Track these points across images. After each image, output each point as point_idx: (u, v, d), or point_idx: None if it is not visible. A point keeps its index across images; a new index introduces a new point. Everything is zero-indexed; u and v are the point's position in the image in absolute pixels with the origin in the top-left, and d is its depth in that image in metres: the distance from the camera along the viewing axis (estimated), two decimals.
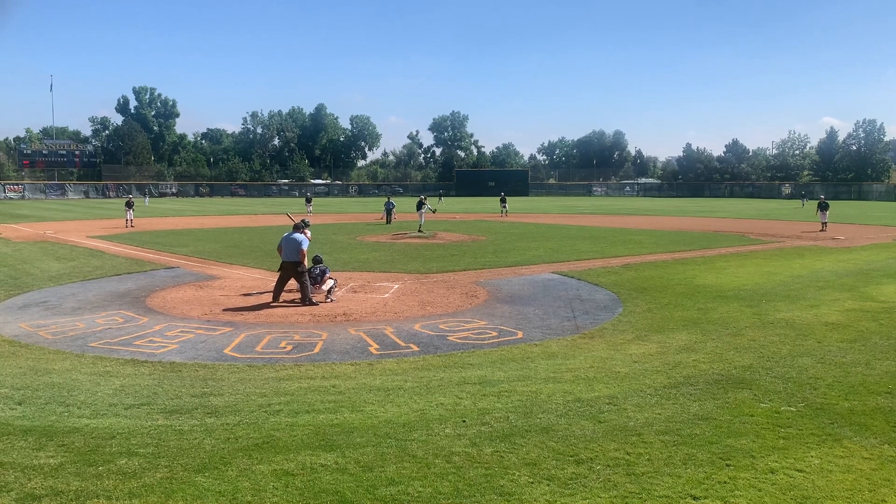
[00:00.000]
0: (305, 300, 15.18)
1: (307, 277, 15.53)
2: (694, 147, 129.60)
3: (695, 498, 5.70)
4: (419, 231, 35.10)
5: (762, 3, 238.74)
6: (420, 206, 38.76)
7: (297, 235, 15.46)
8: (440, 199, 69.60)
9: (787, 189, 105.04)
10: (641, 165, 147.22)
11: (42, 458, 6.45)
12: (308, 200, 60.60)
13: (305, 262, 15.53)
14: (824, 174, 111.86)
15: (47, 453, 6.60)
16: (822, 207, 38.16)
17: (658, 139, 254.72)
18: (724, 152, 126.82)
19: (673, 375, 9.58)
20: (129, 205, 42.81)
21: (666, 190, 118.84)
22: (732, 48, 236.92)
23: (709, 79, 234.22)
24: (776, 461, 6.47)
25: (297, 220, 17.38)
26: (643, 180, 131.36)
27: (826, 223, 37.46)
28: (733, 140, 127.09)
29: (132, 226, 40.39)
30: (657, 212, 59.97)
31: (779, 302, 15.26)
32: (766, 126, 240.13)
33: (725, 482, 6.01)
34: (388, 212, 44.80)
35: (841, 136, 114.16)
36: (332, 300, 16.08)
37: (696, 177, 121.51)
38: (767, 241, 31.29)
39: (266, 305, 15.28)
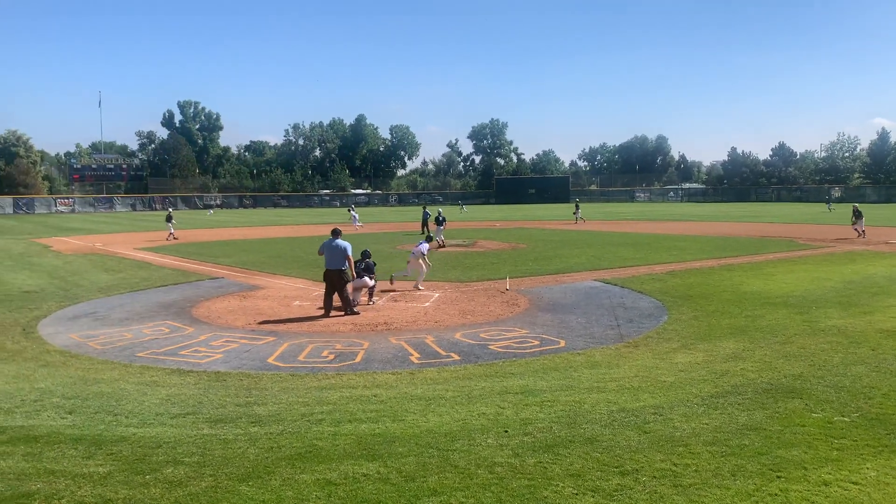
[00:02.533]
0: (347, 310, 15.22)
1: (349, 289, 15.62)
2: (739, 151, 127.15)
3: None
4: (440, 245, 32.86)
5: (808, 2, 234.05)
6: (440, 221, 36.40)
7: (341, 241, 15.44)
8: (462, 208, 68.63)
9: (836, 192, 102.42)
10: (685, 170, 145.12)
11: (91, 467, 6.57)
12: (351, 210, 61.03)
13: (353, 268, 15.62)
14: (875, 177, 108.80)
15: (96, 462, 6.72)
16: (857, 215, 35.43)
17: (702, 143, 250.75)
18: (770, 156, 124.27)
19: (720, 384, 9.36)
20: (168, 218, 42.99)
21: (711, 195, 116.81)
22: (778, 49, 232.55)
23: (754, 81, 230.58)
24: (830, 473, 6.26)
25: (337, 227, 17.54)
26: (687, 185, 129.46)
27: (863, 231, 34.81)
28: (780, 143, 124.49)
29: (175, 238, 40.60)
30: (702, 217, 58.98)
31: (830, 308, 14.84)
32: (814, 128, 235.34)
33: (776, 494, 5.82)
34: (425, 221, 44.00)
35: (893, 138, 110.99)
36: (372, 303, 16.25)
37: (741, 181, 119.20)
38: (817, 245, 30.53)
39: (309, 315, 15.41)
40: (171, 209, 57.85)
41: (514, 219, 53.48)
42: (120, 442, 7.34)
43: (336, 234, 15.62)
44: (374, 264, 17.25)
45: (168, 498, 5.81)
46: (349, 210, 59.62)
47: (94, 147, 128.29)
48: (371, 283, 16.52)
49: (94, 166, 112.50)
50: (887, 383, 9.21)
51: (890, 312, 14.32)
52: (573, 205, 56.71)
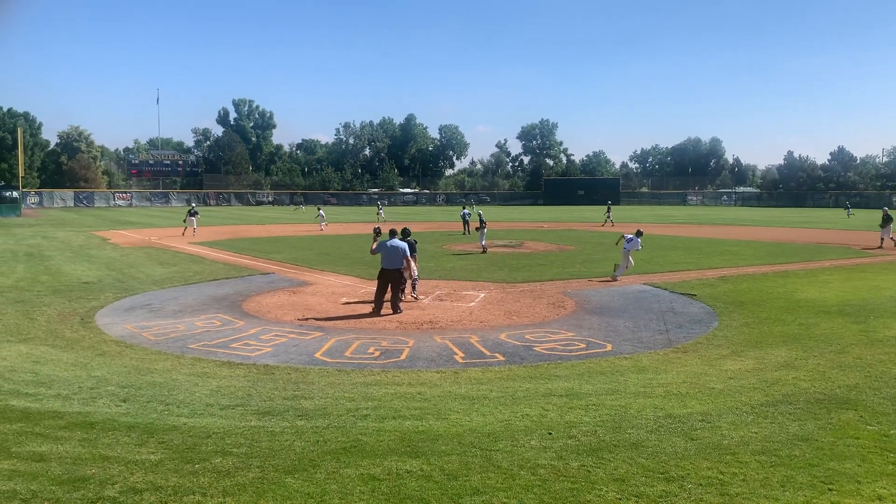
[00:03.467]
0: (396, 308, 15.30)
1: (402, 288, 15.75)
2: (796, 155, 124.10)
3: None
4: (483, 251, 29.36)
5: (868, 3, 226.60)
6: (482, 223, 30.72)
7: (399, 242, 15.53)
8: (472, 207, 66.64)
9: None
10: (739, 174, 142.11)
11: (144, 454, 6.76)
12: (379, 208, 62.74)
13: (411, 271, 15.76)
14: None
15: (148, 449, 6.91)
16: (887, 220, 33.06)
17: (757, 147, 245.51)
18: (828, 160, 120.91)
19: (771, 393, 9.16)
20: (192, 213, 42.00)
21: (765, 199, 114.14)
22: (837, 50, 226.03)
23: (812, 83, 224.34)
24: (884, 487, 6.07)
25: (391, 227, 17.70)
26: (741, 189, 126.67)
27: (887, 238, 32.61)
28: (839, 147, 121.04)
29: (194, 234, 39.71)
30: (756, 222, 57.68)
31: (888, 318, 14.37)
32: (876, 132, 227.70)
33: None
34: (465, 222, 43.04)
35: None
36: (415, 297, 16.38)
37: (797, 186, 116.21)
38: (876, 253, 29.57)
39: (356, 312, 15.56)
40: (193, 203, 57.11)
41: (562, 220, 53.07)
42: (171, 431, 7.54)
43: (393, 234, 15.73)
44: (416, 242, 17.42)
45: (216, 487, 5.95)
46: (318, 208, 59.53)
47: (152, 143, 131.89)
48: (414, 265, 16.64)
49: (151, 162, 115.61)
50: None
51: None
52: (607, 206, 55.71)
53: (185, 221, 42.07)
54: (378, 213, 59.73)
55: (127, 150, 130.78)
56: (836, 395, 9.04)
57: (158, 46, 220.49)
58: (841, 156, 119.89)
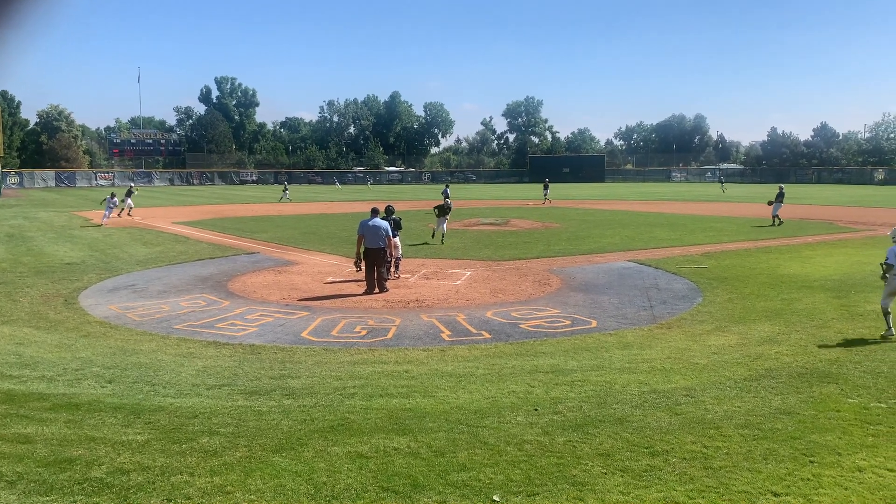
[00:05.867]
0: (382, 287, 15.29)
1: (388, 266, 15.74)
2: (779, 131, 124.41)
3: (776, 494, 5.50)
4: (441, 242, 24.77)
5: None
6: (443, 210, 25.37)
7: (380, 221, 15.45)
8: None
9: (880, 175, 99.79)
10: (723, 150, 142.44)
11: (130, 435, 6.75)
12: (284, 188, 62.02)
13: (393, 250, 15.76)
14: None
15: (135, 430, 6.91)
16: (778, 198, 31.69)
17: (741, 123, 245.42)
18: (811, 136, 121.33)
19: (754, 368, 9.27)
20: (129, 193, 40.34)
21: (749, 175, 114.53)
22: (820, 26, 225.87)
23: (795, 59, 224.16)
24: (864, 459, 6.18)
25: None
26: (725, 166, 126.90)
27: (777, 216, 31.26)
28: (822, 123, 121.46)
29: (130, 215, 37.92)
30: (740, 198, 57.98)
31: (869, 293, 14.53)
32: (858, 108, 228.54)
33: (809, 479, 5.77)
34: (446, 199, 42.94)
35: None
36: (397, 276, 16.42)
37: (781, 162, 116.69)
38: (858, 229, 29.87)
39: (342, 292, 15.55)
40: (132, 185, 55.69)
41: (550, 198, 53.10)
42: (157, 411, 7.53)
43: (375, 213, 15.65)
44: (400, 220, 17.46)
45: (203, 467, 5.96)
46: (284, 185, 62.69)
47: (134, 122, 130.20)
48: (397, 242, 16.68)
49: (133, 141, 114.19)
50: None
51: None
52: (544, 184, 54.48)
53: (118, 203, 36.36)
54: (283, 193, 59.31)
55: (108, 129, 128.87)
56: (817, 368, 9.17)
57: (139, 23, 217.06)
58: (824, 132, 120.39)
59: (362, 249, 15.25)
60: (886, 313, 10.90)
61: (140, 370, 9.38)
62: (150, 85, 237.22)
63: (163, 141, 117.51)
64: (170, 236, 28.04)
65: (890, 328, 10.81)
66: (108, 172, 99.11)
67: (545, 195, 52.51)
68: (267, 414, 7.45)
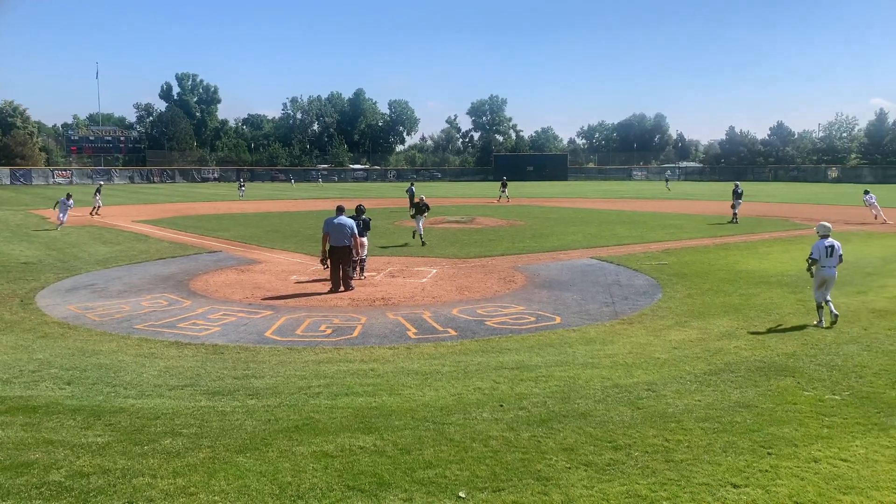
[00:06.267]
0: (347, 285, 15.22)
1: (354, 264, 15.66)
2: (737, 130, 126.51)
3: (735, 486, 5.63)
4: (422, 244, 23.63)
5: None
6: (419, 208, 24.28)
7: (345, 219, 15.34)
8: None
9: (833, 173, 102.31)
10: (683, 149, 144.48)
11: (90, 437, 6.64)
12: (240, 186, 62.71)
13: (359, 248, 15.68)
14: (873, 157, 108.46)
15: (95, 432, 6.79)
16: (736, 195, 32.26)
17: (700, 122, 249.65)
18: (768, 135, 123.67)
19: (713, 362, 9.45)
20: (98, 191, 40.40)
21: (708, 174, 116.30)
22: (777, 28, 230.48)
23: (753, 60, 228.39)
24: (820, 450, 6.35)
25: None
26: (684, 164, 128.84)
27: (735, 213, 31.92)
28: (778, 123, 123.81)
29: (98, 213, 37.70)
30: (699, 196, 58.92)
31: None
32: (813, 108, 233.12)
33: (767, 471, 5.92)
34: (411, 197, 41.31)
35: (891, 118, 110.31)
36: (363, 277, 16.35)
37: (739, 160, 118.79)
38: (813, 225, 30.48)
39: (307, 290, 15.46)
40: (101, 182, 55.95)
41: (512, 196, 53.31)
42: (118, 413, 7.41)
43: (340, 211, 15.56)
44: (370, 220, 17.41)
45: (166, 468, 5.89)
46: (240, 182, 64.25)
47: (92, 119, 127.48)
48: (364, 242, 16.65)
49: (91, 138, 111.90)
50: (878, 362, 9.31)
51: (883, 293, 14.42)
52: (502, 182, 54.53)
53: (73, 204, 34.39)
54: (240, 189, 60.98)
55: (66, 126, 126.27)
56: (774, 362, 9.39)
57: (97, 18, 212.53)
58: (780, 131, 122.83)
59: (328, 247, 15.17)
60: (820, 306, 11.73)
61: (100, 371, 9.22)
62: (109, 81, 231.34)
63: (122, 138, 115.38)
64: (130, 235, 27.55)
65: (821, 320, 11.60)
66: (65, 170, 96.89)
67: (503, 193, 52.47)
68: (230, 414, 7.38)
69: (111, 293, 15.20)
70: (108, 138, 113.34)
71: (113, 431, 6.82)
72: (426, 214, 24.63)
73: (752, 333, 11.12)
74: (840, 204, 46.39)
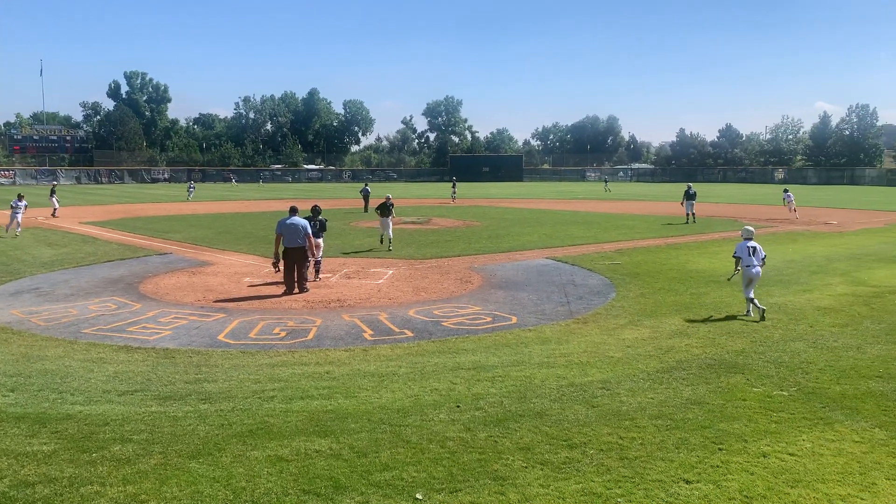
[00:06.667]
0: (302, 287, 15.06)
1: (308, 266, 15.46)
2: (687, 132, 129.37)
3: (687, 482, 5.73)
4: (389, 249, 22.25)
5: None
6: (386, 209, 22.71)
7: (299, 219, 15.16)
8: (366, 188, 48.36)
9: (780, 174, 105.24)
10: (635, 151, 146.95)
11: (35, 445, 6.44)
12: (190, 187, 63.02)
13: (314, 249, 15.48)
14: (817, 159, 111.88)
15: (41, 440, 6.60)
16: (689, 196, 33.17)
17: (652, 124, 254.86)
18: (717, 137, 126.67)
19: (666, 360, 9.62)
20: (52, 192, 39.04)
21: (659, 175, 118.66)
22: (725, 32, 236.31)
23: (702, 63, 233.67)
24: (768, 445, 6.51)
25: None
26: (637, 165, 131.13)
27: (693, 213, 32.85)
28: (727, 125, 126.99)
29: (56, 216, 36.97)
30: (651, 197, 59.99)
31: (772, 286, 15.31)
32: (760, 111, 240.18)
33: (718, 466, 6.04)
34: (366, 198, 41.85)
35: (834, 121, 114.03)
36: (319, 279, 16.20)
37: (689, 162, 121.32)
38: (761, 225, 31.33)
39: (260, 293, 15.26)
40: (54, 183, 54.93)
41: (468, 196, 53.53)
42: (65, 420, 7.21)
43: (293, 211, 15.36)
44: (326, 220, 17.26)
45: (115, 476, 5.75)
46: (190, 183, 66.37)
47: (36, 118, 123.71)
48: (320, 254, 16.47)
49: (35, 137, 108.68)
50: (823, 358, 9.59)
51: (827, 290, 14.87)
52: (452, 183, 56.29)
53: (26, 205, 32.91)
54: (189, 191, 61.16)
55: (8, 124, 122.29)
56: (725, 359, 9.59)
57: (41, 13, 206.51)
58: (728, 133, 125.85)
59: (281, 249, 14.99)
60: (751, 301, 12.54)
61: (46, 377, 8.95)
62: (53, 79, 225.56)
63: (68, 137, 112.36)
64: (77, 237, 26.82)
65: (748, 312, 12.57)
66: (8, 170, 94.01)
67: (454, 193, 52.99)
68: (182, 419, 7.24)
69: (57, 297, 14.78)
70: (53, 138, 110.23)
71: (59, 439, 6.63)
72: (393, 215, 23.27)
73: (703, 332, 11.34)
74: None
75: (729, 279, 13.68)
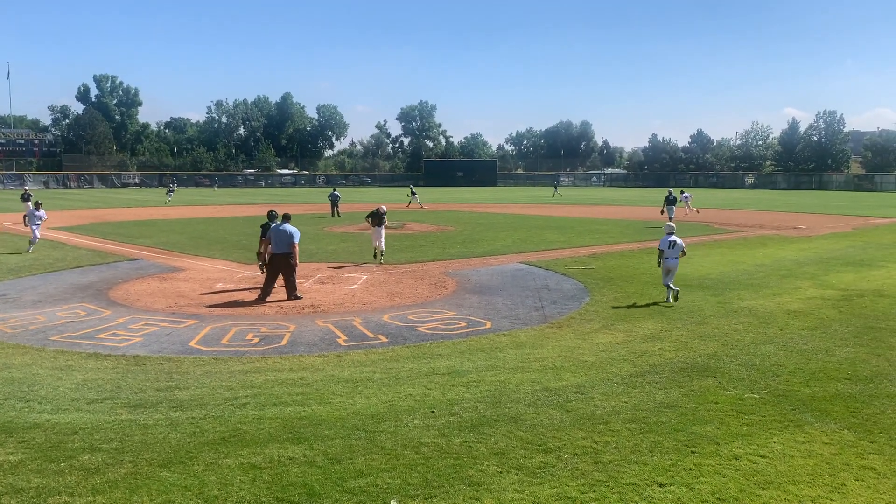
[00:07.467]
0: (291, 294, 14.89)
1: (296, 272, 15.29)
2: (659, 138, 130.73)
3: (661, 485, 5.78)
4: (380, 263, 20.61)
5: None
6: (379, 217, 20.83)
7: (289, 227, 15.02)
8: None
9: (750, 179, 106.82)
10: (608, 156, 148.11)
11: (2, 455, 6.31)
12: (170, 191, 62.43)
13: (297, 257, 15.33)
14: (786, 164, 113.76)
15: (7, 450, 6.46)
16: (670, 202, 33.94)
17: (624, 130, 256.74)
18: (689, 143, 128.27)
19: (639, 364, 9.69)
20: (24, 198, 37.86)
21: (632, 180, 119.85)
22: (697, 39, 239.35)
23: (674, 70, 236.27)
24: (740, 447, 6.59)
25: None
26: (610, 171, 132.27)
27: (671, 218, 32.12)
28: (698, 130, 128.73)
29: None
30: (623, 202, 60.50)
31: (742, 290, 15.51)
32: (731, 117, 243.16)
33: (691, 469, 6.10)
34: (334, 204, 41.15)
35: (802, 127, 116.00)
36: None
37: (661, 167, 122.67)
38: (731, 230, 31.75)
39: (234, 299, 15.12)
40: (27, 188, 53.72)
41: (442, 201, 53.57)
42: (33, 429, 7.07)
43: (286, 218, 15.20)
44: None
45: (84, 486, 5.65)
46: (169, 185, 65.74)
47: (3, 121, 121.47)
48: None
49: (2, 141, 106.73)
50: (793, 361, 9.73)
51: (797, 294, 15.09)
52: (410, 189, 54.94)
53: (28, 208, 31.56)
54: (168, 194, 61.24)
55: None
56: (697, 363, 9.69)
57: (8, 15, 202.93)
58: (700, 138, 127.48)
59: (266, 253, 14.90)
60: (668, 288, 14.41)
61: (12, 385, 8.77)
62: (21, 82, 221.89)
63: (36, 141, 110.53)
64: (45, 242, 26.34)
65: (668, 299, 14.28)
66: None
67: (414, 198, 51.65)
68: (153, 427, 7.14)
69: (24, 303, 14.51)
70: (20, 141, 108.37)
71: (27, 448, 6.50)
72: (386, 224, 21.64)
73: (676, 335, 11.45)
74: (757, 209, 48.40)
75: (660, 266, 14.82)
